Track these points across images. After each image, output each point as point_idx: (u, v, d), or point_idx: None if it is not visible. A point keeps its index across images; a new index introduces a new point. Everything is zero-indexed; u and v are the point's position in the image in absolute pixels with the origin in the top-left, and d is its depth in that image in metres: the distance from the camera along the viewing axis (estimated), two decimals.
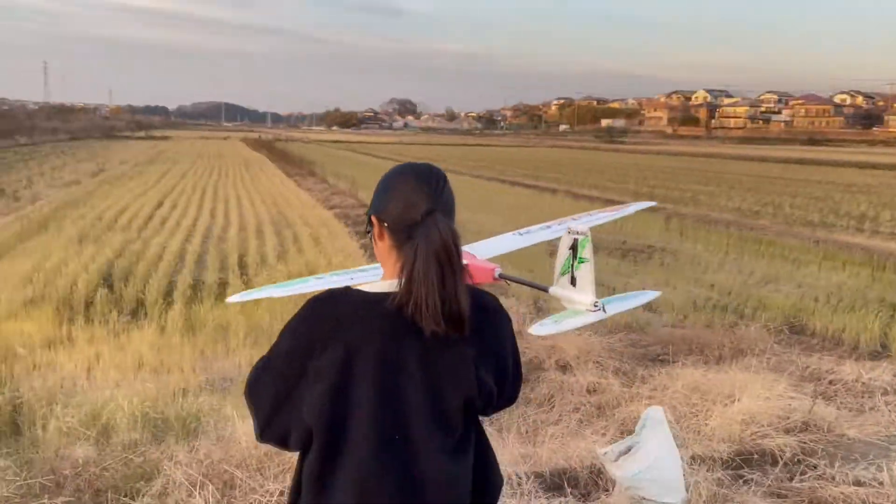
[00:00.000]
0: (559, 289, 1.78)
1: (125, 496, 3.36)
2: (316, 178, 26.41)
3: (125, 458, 3.70)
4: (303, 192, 20.85)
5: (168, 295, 8.21)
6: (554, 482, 3.71)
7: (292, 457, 1.87)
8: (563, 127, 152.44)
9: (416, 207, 1.44)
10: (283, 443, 1.46)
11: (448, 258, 1.38)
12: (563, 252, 1.85)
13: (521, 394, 4.70)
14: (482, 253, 1.88)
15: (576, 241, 1.85)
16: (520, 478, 3.59)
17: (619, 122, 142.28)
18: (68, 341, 6.91)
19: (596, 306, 1.71)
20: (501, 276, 1.82)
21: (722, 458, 3.85)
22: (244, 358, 6.35)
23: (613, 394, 5.27)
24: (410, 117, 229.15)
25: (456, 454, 1.43)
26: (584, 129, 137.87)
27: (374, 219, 1.51)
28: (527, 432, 4.60)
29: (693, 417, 4.48)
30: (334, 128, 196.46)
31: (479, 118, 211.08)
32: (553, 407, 5.30)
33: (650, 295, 2.15)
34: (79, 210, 15.06)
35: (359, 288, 1.46)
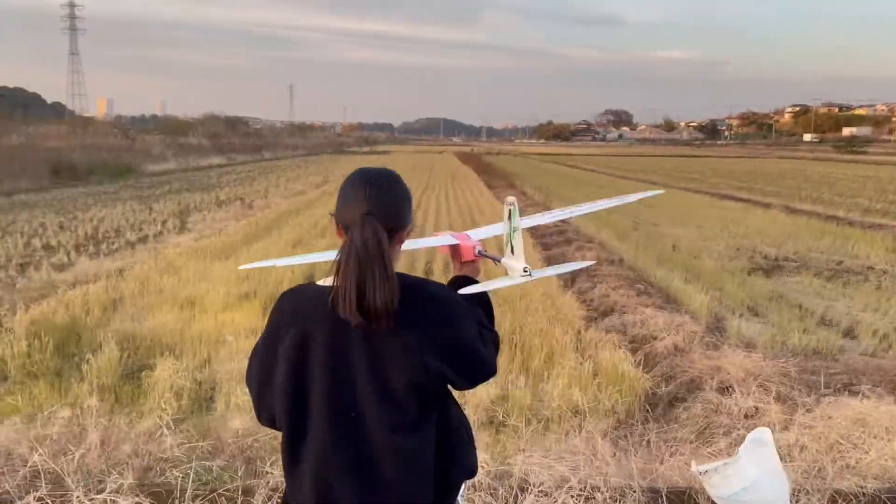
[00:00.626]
0: (505, 258, 1.91)
1: (270, 465, 3.88)
2: (515, 189, 26.96)
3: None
4: (499, 203, 21.39)
5: None
6: (669, 499, 3.63)
7: None
8: (807, 136, 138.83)
9: (354, 209, 1.66)
10: (272, 424, 1.70)
11: (368, 257, 1.55)
12: (504, 223, 2.06)
13: (662, 409, 4.61)
14: (480, 235, 2.19)
15: (510, 211, 2.04)
16: (631, 490, 3.57)
17: (865, 131, 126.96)
18: None
19: (525, 271, 1.89)
20: (480, 254, 2.03)
21: (866, 495, 3.51)
22: None
23: (769, 420, 4.94)
24: (626, 128, 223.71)
25: (410, 433, 1.59)
26: (825, 139, 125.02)
27: (332, 218, 1.73)
28: (662, 448, 4.50)
29: (847, 451, 4.09)
30: (542, 140, 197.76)
31: (700, 128, 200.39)
32: (702, 428, 5.11)
33: (583, 264, 2.38)
34: (298, 217, 16.89)
35: (318, 282, 1.68)
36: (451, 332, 1.64)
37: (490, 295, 1.95)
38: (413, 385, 1.59)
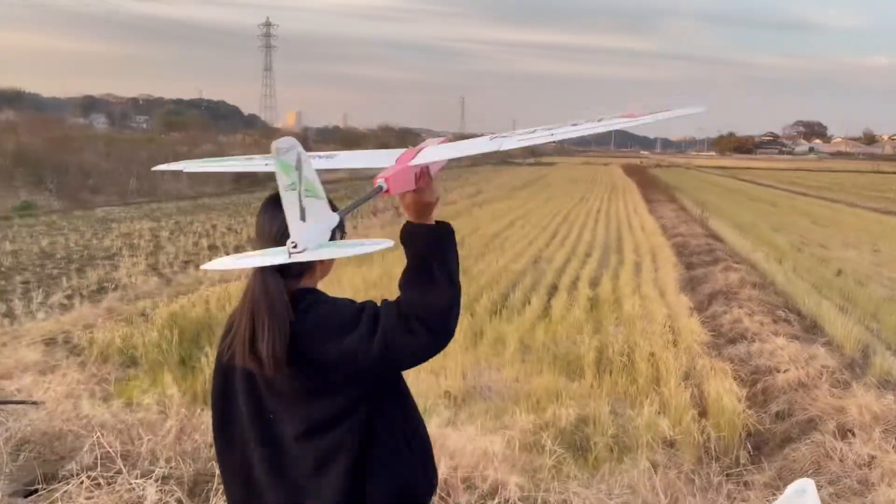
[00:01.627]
0: (293, 226, 1.45)
1: None
2: (675, 204, 25.76)
3: None
4: (652, 218, 20.60)
5: (469, 307, 9.05)
6: None
7: None
8: None
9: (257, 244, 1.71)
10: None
11: (258, 307, 1.57)
12: (282, 175, 1.43)
13: (766, 449, 4.27)
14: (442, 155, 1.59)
15: (288, 158, 1.38)
16: None
17: None
18: None
19: (295, 247, 1.42)
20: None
21: None
22: (510, 371, 6.78)
23: (883, 471, 4.35)
24: (818, 141, 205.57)
25: (322, 462, 1.60)
26: None
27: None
28: (734, 494, 4.12)
29: None
30: (723, 153, 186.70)
31: None
32: (806, 473, 4.61)
33: (379, 243, 1.23)
34: None
35: None
36: (336, 358, 1.57)
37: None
38: (317, 421, 1.60)
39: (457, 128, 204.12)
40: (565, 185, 38.91)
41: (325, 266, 1.78)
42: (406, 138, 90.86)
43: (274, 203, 1.62)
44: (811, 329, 8.29)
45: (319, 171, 1.53)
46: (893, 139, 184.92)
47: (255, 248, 1.66)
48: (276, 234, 1.63)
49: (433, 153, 1.65)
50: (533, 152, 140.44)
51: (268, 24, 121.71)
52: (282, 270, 1.59)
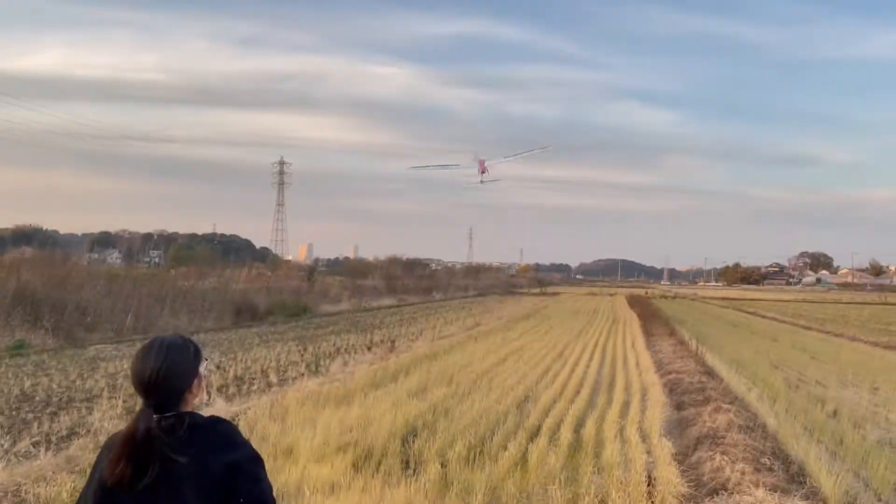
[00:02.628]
0: None
1: None
2: (674, 338, 25.50)
3: None
4: (649, 353, 20.33)
5: (442, 454, 8.77)
6: None
7: None
8: None
9: (138, 387, 2.16)
10: None
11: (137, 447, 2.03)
12: None
13: None
14: None
15: None
16: None
17: None
18: (347, 488, 7.84)
19: None
20: None
21: None
22: None
23: None
24: (825, 272, 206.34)
25: None
26: None
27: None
28: None
29: None
30: (729, 284, 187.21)
31: None
32: None
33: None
34: (432, 363, 17.10)
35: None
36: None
37: None
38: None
39: (464, 257, 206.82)
40: (566, 317, 38.80)
41: (197, 394, 2.23)
42: (414, 268, 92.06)
43: (144, 349, 2.18)
44: (797, 477, 7.93)
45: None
46: None
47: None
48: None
49: None
50: (540, 282, 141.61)
51: (282, 163, 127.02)
52: None
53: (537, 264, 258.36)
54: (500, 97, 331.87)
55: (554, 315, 40.75)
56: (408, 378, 14.48)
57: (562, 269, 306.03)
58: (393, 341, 23.26)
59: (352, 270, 74.39)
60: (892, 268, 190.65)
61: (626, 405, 12.36)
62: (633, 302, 59.68)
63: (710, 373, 16.14)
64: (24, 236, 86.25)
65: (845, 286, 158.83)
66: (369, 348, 21.40)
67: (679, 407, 12.53)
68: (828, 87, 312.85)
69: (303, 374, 15.96)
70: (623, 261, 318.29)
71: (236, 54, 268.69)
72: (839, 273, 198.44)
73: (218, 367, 16.80)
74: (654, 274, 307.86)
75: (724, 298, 77.26)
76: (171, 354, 2.12)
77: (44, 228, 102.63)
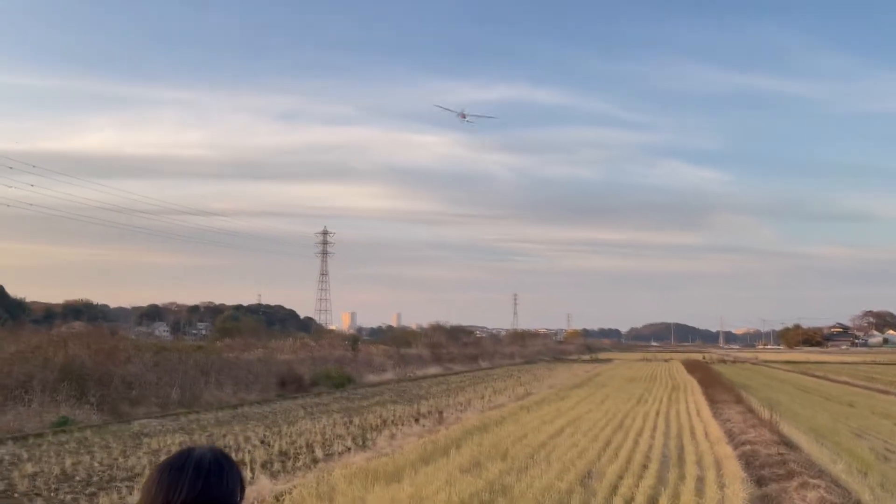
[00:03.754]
0: None
1: None
2: (741, 405, 24.16)
3: None
4: (717, 423, 19.18)
5: None
6: None
7: None
8: None
9: None
10: None
11: None
12: None
13: None
14: None
15: None
16: None
17: None
18: None
19: None
20: None
21: None
22: None
23: None
24: (891, 331, 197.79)
25: None
26: None
27: None
28: None
29: None
30: (788, 347, 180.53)
31: None
32: None
33: None
34: (483, 436, 16.34)
35: None
36: None
37: None
38: None
39: (509, 324, 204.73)
40: (622, 385, 37.43)
41: None
42: (458, 336, 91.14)
43: (173, 470, 1.62)
44: None
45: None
46: None
47: None
48: None
49: None
50: (589, 348, 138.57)
51: (325, 233, 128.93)
52: None
53: (585, 330, 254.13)
54: (539, 160, 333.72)
55: (608, 382, 39.38)
56: (459, 452, 13.79)
57: (611, 334, 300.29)
58: (441, 412, 22.56)
59: (395, 339, 73.86)
60: None
61: (700, 481, 11.44)
62: (691, 367, 57.58)
63: (787, 443, 15.04)
64: (75, 311, 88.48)
65: None
66: (417, 420, 20.74)
67: (760, 482, 11.56)
68: (877, 140, 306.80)
69: (349, 448, 15.41)
70: (676, 324, 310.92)
71: (277, 128, 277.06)
72: None
73: (262, 442, 16.36)
74: (708, 337, 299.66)
75: (787, 362, 74.15)
76: (210, 483, 1.61)
77: (94, 303, 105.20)
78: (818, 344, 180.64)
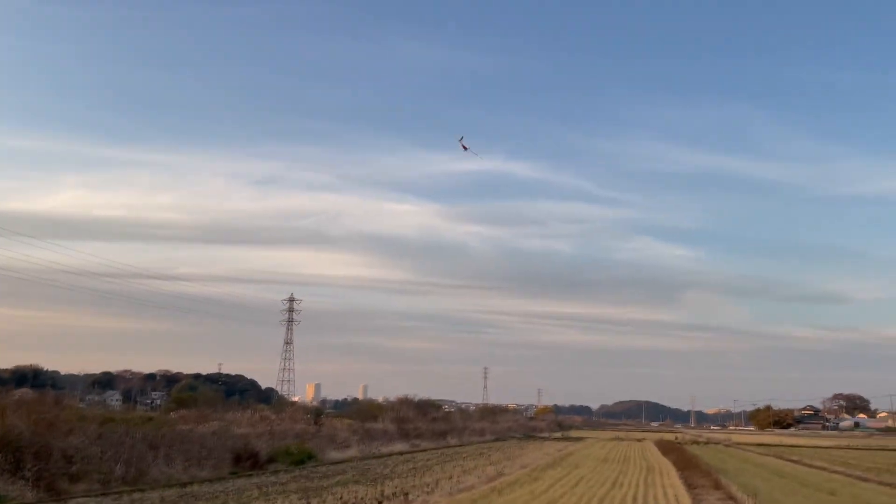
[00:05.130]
0: None
1: None
2: (721, 492, 23.42)
3: None
4: None
5: None
6: None
7: None
8: None
9: None
10: None
11: None
12: None
13: None
14: None
15: None
16: None
17: None
18: None
19: None
20: None
21: None
22: None
23: None
24: (862, 415, 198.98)
25: None
26: None
27: None
28: None
29: None
30: (760, 429, 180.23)
31: None
32: None
33: None
34: None
35: None
36: None
37: None
38: None
39: (479, 398, 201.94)
40: (596, 465, 36.38)
41: None
42: (427, 410, 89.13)
43: None
44: None
45: None
46: None
47: None
48: None
49: None
50: (560, 425, 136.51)
51: (291, 300, 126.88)
52: None
53: (556, 406, 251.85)
54: (513, 233, 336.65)
55: (582, 462, 38.31)
56: None
57: (582, 410, 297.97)
58: (406, 494, 21.48)
59: (361, 412, 71.97)
60: None
61: None
62: (665, 448, 56.62)
63: None
64: (23, 377, 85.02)
65: (886, 430, 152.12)
66: (380, 503, 19.61)
67: None
68: (849, 223, 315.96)
69: None
70: (647, 402, 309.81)
71: (253, 194, 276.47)
72: (877, 416, 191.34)
73: None
74: (679, 416, 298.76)
75: (760, 444, 73.50)
76: None
77: (44, 368, 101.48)
78: (789, 426, 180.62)
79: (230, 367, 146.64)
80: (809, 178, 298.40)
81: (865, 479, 30.91)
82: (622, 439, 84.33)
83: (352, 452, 41.45)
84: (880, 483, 29.04)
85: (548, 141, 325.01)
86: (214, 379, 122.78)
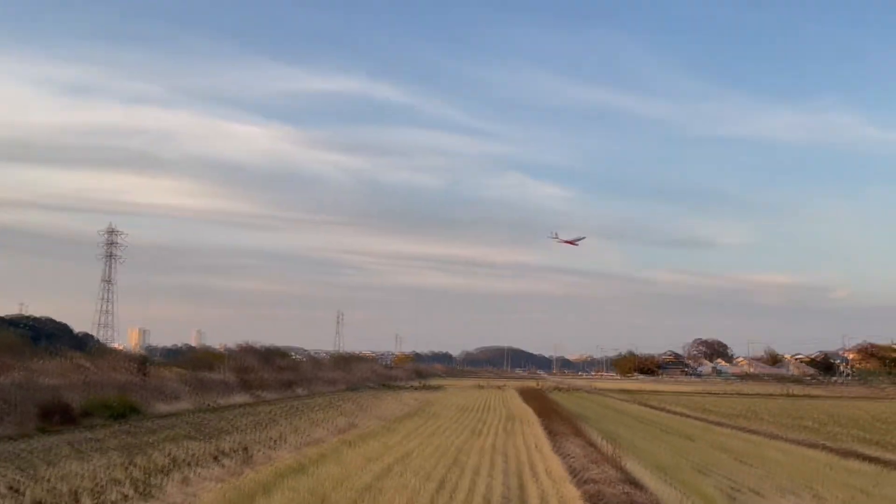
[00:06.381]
0: None
1: None
2: (582, 438, 25.01)
3: None
4: (558, 458, 19.56)
5: None
6: None
7: None
8: None
9: None
10: None
11: None
12: None
13: None
14: None
15: None
16: None
17: None
18: None
19: None
20: None
21: None
22: None
23: None
24: (721, 361, 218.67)
25: None
26: None
27: None
28: None
29: None
30: (623, 375, 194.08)
31: (811, 362, 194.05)
32: None
33: None
34: (298, 478, 15.46)
35: None
36: None
37: None
38: None
39: (332, 346, 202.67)
40: (456, 415, 37.77)
41: None
42: (272, 359, 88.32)
43: None
44: None
45: None
46: (797, 359, 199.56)
47: None
48: None
49: None
50: (420, 374, 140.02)
51: (111, 231, 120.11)
52: None
53: (416, 353, 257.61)
54: (375, 164, 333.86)
55: (441, 413, 39.62)
56: (269, 499, 12.88)
57: (443, 358, 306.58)
58: (247, 449, 21.34)
59: (195, 361, 70.13)
60: (789, 356, 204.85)
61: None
62: (527, 396, 59.69)
63: (633, 481, 15.54)
64: None
65: (744, 376, 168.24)
66: (217, 459, 19.37)
67: None
68: (722, 166, 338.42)
69: (127, 497, 13.91)
70: (510, 349, 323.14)
71: (63, 104, 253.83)
72: (736, 362, 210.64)
73: (11, 489, 14.37)
74: (543, 363, 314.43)
75: (622, 391, 79.16)
76: None
77: None
78: (651, 372, 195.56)
79: (36, 309, 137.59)
80: (690, 117, 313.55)
81: (721, 424, 34.15)
82: (483, 387, 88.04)
83: (184, 405, 40.49)
84: (735, 428, 32.19)
85: (415, 61, 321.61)
86: (16, 322, 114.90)
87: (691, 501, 13.30)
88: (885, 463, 19.67)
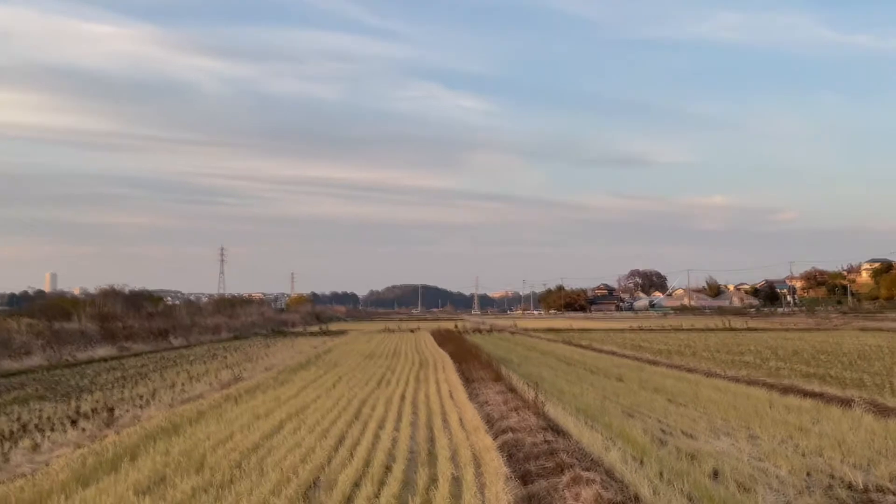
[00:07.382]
0: None
1: None
2: (501, 384, 25.65)
3: None
4: (474, 406, 20.07)
5: None
6: None
7: None
8: None
9: None
10: None
11: None
12: None
13: None
14: None
15: None
16: None
17: None
18: None
19: None
20: None
21: None
22: None
23: None
24: (658, 294, 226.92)
25: None
26: None
27: None
28: None
29: None
30: (551, 312, 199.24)
31: (755, 291, 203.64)
32: None
33: None
34: (171, 439, 15.40)
35: None
36: None
37: None
38: None
39: (214, 288, 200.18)
40: (359, 363, 38.15)
41: None
42: (141, 305, 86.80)
43: None
44: None
45: None
46: (740, 289, 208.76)
47: None
48: None
49: None
50: (319, 317, 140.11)
51: None
52: None
53: (314, 294, 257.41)
54: (261, 71, 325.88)
55: (342, 360, 39.93)
56: (136, 465, 12.80)
57: (347, 299, 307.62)
58: (111, 409, 21.09)
59: (48, 309, 68.37)
60: (731, 287, 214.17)
61: (456, 482, 11.71)
62: (442, 339, 60.67)
63: (555, 428, 16.08)
64: None
65: (682, 309, 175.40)
66: (74, 422, 19.06)
67: (526, 479, 12.10)
68: (659, 74, 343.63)
69: None
70: (424, 287, 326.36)
71: None
72: (674, 294, 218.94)
73: None
74: (462, 302, 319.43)
75: (549, 330, 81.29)
76: None
77: None
78: (582, 308, 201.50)
79: None
80: (625, 17, 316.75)
81: (655, 363, 35.62)
82: (393, 331, 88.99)
83: (35, 361, 39.72)
84: (669, 366, 33.64)
85: None
86: None
87: (618, 447, 13.85)
88: (826, 398, 20.94)
